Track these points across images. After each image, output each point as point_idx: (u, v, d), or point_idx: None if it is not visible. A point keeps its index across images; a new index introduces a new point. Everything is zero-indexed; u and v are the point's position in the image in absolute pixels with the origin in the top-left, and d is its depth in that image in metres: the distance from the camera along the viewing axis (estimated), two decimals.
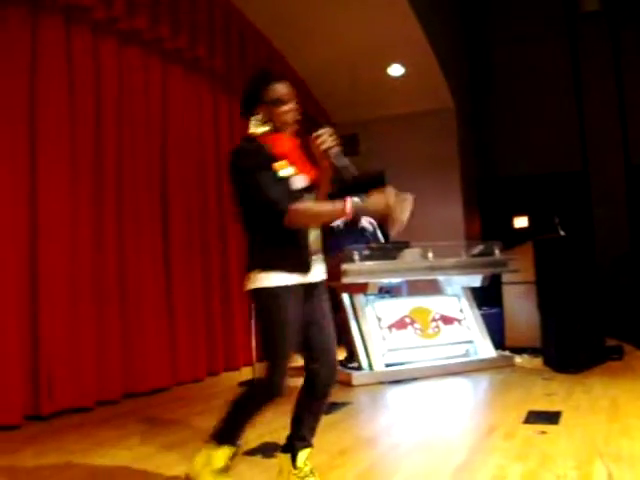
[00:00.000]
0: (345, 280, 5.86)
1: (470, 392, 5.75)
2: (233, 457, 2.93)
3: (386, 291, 7.06)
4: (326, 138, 2.82)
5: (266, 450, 3.77)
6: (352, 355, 6.28)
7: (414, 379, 6.00)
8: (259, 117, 2.88)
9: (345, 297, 6.31)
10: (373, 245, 6.28)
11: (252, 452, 3.76)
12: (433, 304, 6.61)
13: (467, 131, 10.29)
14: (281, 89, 2.89)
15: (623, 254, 9.73)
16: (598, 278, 7.48)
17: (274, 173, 2.74)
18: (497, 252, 6.70)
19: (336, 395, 5.47)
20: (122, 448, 4.01)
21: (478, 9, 11.25)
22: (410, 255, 6.36)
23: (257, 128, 2.89)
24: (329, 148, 2.79)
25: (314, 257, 2.86)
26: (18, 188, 5.04)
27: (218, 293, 7.23)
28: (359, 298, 6.22)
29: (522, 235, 9.21)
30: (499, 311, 7.74)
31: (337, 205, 2.63)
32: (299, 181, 2.81)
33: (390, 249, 6.36)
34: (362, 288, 6.06)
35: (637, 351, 7.04)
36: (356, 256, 5.92)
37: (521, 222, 10.64)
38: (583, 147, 10.37)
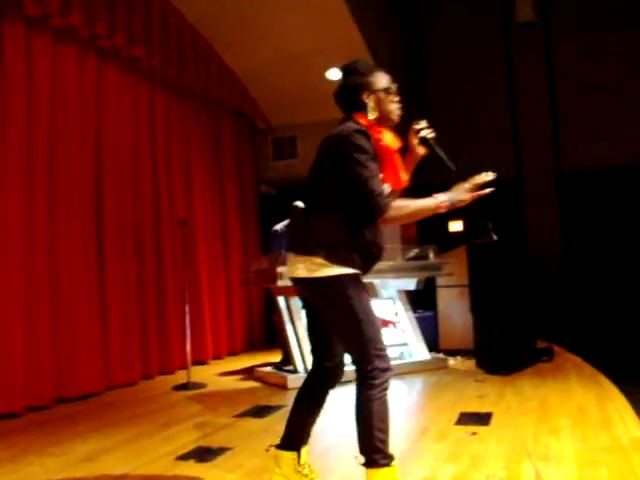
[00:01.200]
0: (281, 283, 5.84)
1: (404, 394, 5.80)
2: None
3: None
4: (427, 130, 2.89)
5: (200, 454, 3.73)
6: (287, 358, 6.28)
7: (349, 381, 6.01)
8: (372, 105, 2.80)
9: (281, 300, 6.31)
10: None
11: (185, 457, 3.72)
12: None
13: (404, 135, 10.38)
14: (389, 78, 2.86)
15: (554, 258, 9.98)
16: (529, 282, 7.65)
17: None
18: (432, 256, 6.78)
19: (270, 398, 5.48)
20: (51, 455, 3.93)
21: (416, 15, 11.38)
22: None
23: (372, 116, 2.80)
24: (432, 139, 2.89)
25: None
26: None
27: (153, 295, 7.14)
28: (294, 301, 6.21)
29: (457, 239, 9.35)
30: (433, 314, 7.84)
31: (431, 202, 2.70)
32: (385, 188, 2.75)
33: None
34: (298, 291, 6.05)
35: (566, 353, 7.22)
36: None
37: (456, 226, 10.80)
38: (516, 153, 10.59)
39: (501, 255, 6.63)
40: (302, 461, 2.96)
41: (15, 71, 5.56)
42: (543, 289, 9.39)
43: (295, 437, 3.00)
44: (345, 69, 2.92)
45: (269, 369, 6.51)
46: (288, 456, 2.95)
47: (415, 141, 2.91)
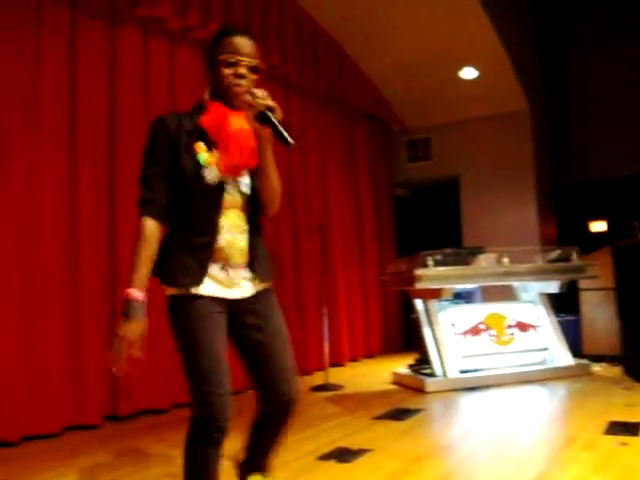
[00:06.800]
0: (419, 285, 5.82)
1: (547, 401, 5.63)
2: None
3: (460, 296, 6.99)
4: (261, 98, 2.20)
5: (340, 455, 3.77)
6: (425, 361, 6.23)
7: (489, 386, 5.92)
8: (209, 77, 2.36)
9: (418, 302, 6.28)
10: (448, 250, 6.22)
11: (326, 456, 3.77)
12: (508, 310, 6.50)
13: (542, 134, 10.09)
14: (234, 45, 2.30)
15: None
16: None
17: (189, 160, 2.21)
18: (575, 257, 6.55)
19: (408, 401, 5.46)
20: None
21: (552, 9, 11.02)
22: (485, 260, 6.28)
23: (207, 94, 2.35)
24: (268, 109, 2.19)
25: (221, 266, 2.27)
26: (99, 198, 5.23)
27: (291, 298, 7.26)
28: (433, 303, 6.17)
29: (599, 240, 8.99)
30: (576, 318, 7.57)
31: (135, 280, 2.15)
32: (210, 174, 2.21)
33: (464, 254, 6.29)
34: (436, 294, 6.01)
35: None
36: (430, 261, 5.88)
37: (599, 227, 10.37)
38: None
39: None
40: None
41: (159, 81, 5.85)
42: None
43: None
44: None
45: (407, 372, 6.49)
46: None
47: (253, 119, 2.23)
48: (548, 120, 10.62)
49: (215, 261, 2.24)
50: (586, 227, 10.41)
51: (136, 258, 2.17)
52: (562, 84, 10.81)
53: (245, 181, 2.30)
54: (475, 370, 6.12)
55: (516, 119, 9.50)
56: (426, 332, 6.14)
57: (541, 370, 6.33)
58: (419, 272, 5.79)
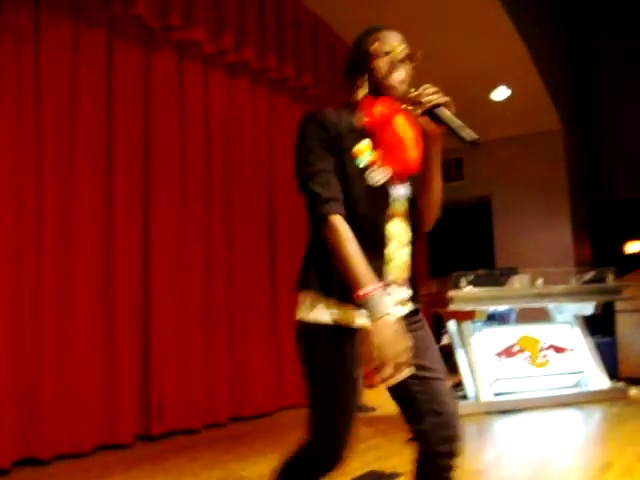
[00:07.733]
0: (452, 307, 5.78)
1: (582, 425, 5.54)
2: None
3: (494, 318, 6.93)
4: (430, 93, 2.01)
5: (373, 478, 3.74)
6: (458, 383, 6.17)
7: (523, 410, 5.83)
8: (365, 77, 2.09)
9: (452, 324, 6.23)
10: (481, 271, 6.18)
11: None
12: (543, 332, 6.42)
13: (576, 153, 10.01)
14: (379, 37, 2.14)
15: None
16: None
17: (351, 160, 1.93)
18: (610, 279, 6.46)
19: None
20: (232, 471, 4.07)
21: (582, 26, 10.95)
22: (519, 282, 6.23)
23: (361, 92, 2.07)
24: (436, 106, 1.99)
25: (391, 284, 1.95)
26: (133, 218, 5.28)
27: None
28: (466, 325, 6.11)
29: (635, 261, 8.88)
30: (612, 340, 7.46)
31: (360, 277, 1.75)
32: (377, 174, 1.93)
33: (498, 275, 6.24)
34: (469, 315, 5.97)
35: None
36: (463, 282, 5.84)
37: (634, 247, 10.23)
38: None
39: None
40: None
41: (194, 104, 5.90)
42: None
43: None
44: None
45: None
46: None
47: (422, 117, 1.98)
48: (582, 139, 10.53)
49: (379, 278, 1.85)
50: (621, 248, 10.28)
51: (348, 258, 1.78)
52: (595, 101, 10.72)
53: (408, 187, 2.04)
54: (509, 393, 6.05)
55: (549, 139, 9.44)
56: (459, 354, 6.08)
57: (576, 393, 6.24)
58: (452, 293, 5.76)
